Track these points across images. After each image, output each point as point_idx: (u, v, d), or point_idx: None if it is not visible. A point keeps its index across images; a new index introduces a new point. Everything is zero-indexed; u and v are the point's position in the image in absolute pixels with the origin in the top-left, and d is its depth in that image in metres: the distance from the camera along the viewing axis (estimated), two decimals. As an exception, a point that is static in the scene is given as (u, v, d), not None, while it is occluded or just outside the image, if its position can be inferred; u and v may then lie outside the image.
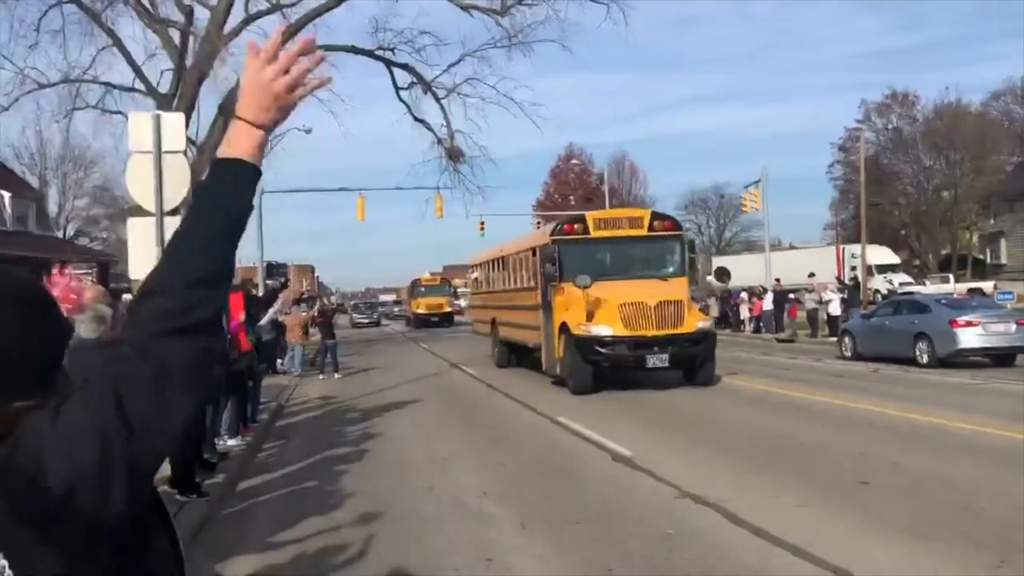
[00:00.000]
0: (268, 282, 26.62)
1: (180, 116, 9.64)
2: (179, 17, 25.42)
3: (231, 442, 10.92)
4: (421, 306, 54.32)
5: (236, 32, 26.57)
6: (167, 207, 8.45)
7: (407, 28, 30.37)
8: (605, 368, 15.76)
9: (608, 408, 13.81)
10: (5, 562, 1.16)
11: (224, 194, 1.45)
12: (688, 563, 6.09)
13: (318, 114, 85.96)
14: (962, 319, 18.30)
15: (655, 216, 18.07)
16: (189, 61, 25.32)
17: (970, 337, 18.16)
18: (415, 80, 30.41)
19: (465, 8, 28.77)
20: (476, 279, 27.64)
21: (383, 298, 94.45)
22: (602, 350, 15.31)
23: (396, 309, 75.99)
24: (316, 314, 23.90)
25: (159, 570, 1.38)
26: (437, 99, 30.52)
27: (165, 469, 7.71)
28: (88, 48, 29.36)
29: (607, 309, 15.45)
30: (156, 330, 1.33)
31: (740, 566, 5.98)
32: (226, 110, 25.87)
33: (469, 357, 25.03)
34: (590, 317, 15.37)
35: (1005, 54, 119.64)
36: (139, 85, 27.02)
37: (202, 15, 25.86)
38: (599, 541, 6.67)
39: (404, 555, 6.45)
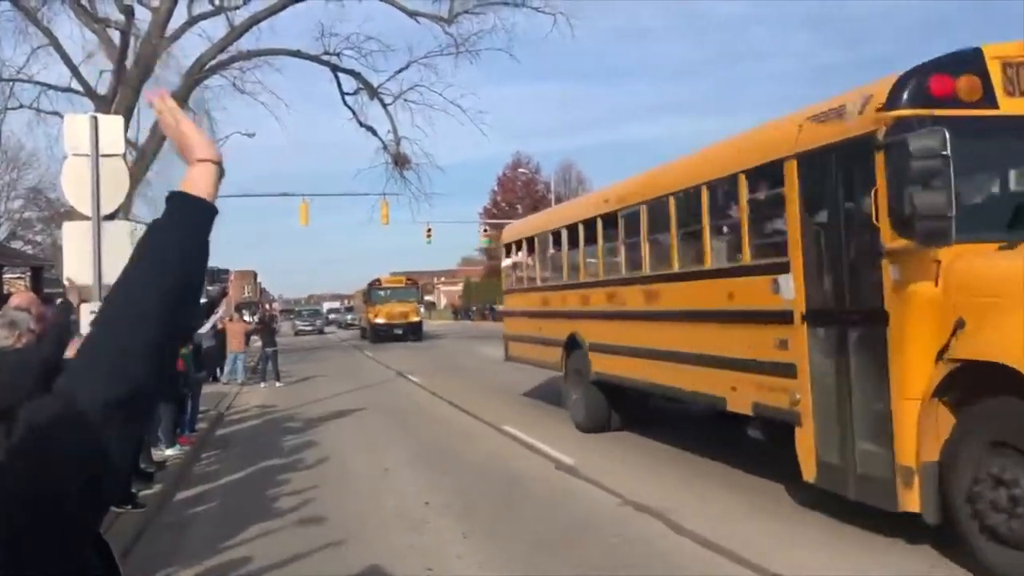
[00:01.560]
0: (209, 288, 26.10)
1: (119, 119, 9.41)
2: (119, 17, 24.86)
3: (168, 452, 10.71)
4: (381, 314, 42.80)
5: (178, 34, 26.15)
6: (104, 211, 8.25)
7: (353, 34, 30.15)
8: None
9: (550, 416, 13.82)
10: None
11: (182, 235, 1.33)
12: (632, 572, 6.12)
13: (262, 119, 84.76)
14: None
15: None
16: (129, 62, 24.81)
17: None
18: (361, 86, 30.19)
19: (412, 15, 28.67)
20: (516, 266, 15.84)
21: (327, 305, 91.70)
22: None
23: (349, 317, 67.75)
24: (257, 321, 23.56)
25: None
26: (383, 105, 30.32)
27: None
28: (23, 46, 28.70)
29: None
30: (86, 367, 1.21)
31: (684, 575, 6.03)
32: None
33: (416, 366, 24.86)
34: None
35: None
36: (76, 86, 26.40)
37: (143, 15, 25.37)
38: (542, 550, 6.67)
39: (345, 566, 6.37)
